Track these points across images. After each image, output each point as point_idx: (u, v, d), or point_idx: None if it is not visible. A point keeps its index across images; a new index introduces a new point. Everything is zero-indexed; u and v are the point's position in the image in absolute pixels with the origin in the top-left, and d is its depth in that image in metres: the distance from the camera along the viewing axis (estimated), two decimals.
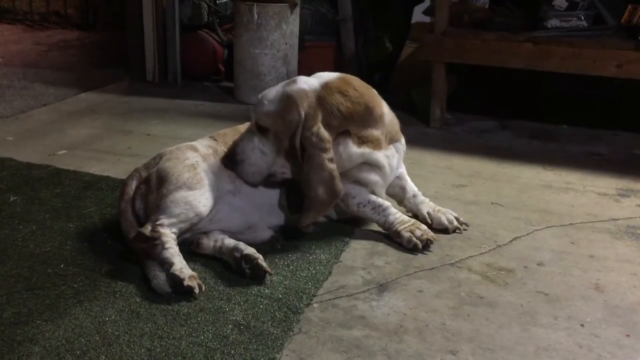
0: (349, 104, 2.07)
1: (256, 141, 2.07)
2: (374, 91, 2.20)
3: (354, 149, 2.11)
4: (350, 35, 4.31)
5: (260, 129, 2.07)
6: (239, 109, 3.95)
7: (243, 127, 2.30)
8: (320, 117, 2.01)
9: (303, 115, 2.00)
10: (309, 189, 2.01)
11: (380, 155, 2.16)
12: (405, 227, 2.18)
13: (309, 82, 2.08)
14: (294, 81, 2.09)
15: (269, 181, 2.13)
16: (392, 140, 2.23)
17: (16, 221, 2.28)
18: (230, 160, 2.09)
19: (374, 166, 2.17)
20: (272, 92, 2.08)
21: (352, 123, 2.08)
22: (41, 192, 2.53)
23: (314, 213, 2.05)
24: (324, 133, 2.00)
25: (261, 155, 2.07)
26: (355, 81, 2.15)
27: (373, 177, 2.19)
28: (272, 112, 2.04)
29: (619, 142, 3.43)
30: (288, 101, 2.03)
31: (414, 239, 2.14)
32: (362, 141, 2.12)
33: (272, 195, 2.19)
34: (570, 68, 3.27)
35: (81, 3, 6.84)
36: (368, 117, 2.12)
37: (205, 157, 2.12)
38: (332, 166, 2.01)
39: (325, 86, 2.07)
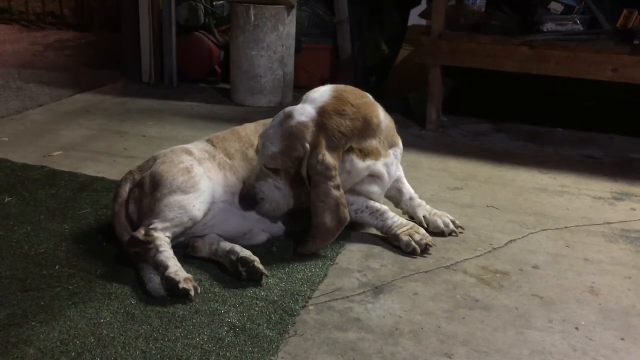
0: (348, 122, 2.04)
1: (270, 180, 2.06)
2: (369, 99, 2.18)
3: (360, 164, 2.10)
4: (346, 37, 4.32)
5: (270, 169, 2.06)
6: (235, 111, 3.95)
7: (242, 129, 2.29)
8: (324, 144, 2.00)
9: (308, 148, 1.99)
10: (315, 217, 2.01)
11: (380, 165, 2.15)
12: (404, 231, 2.18)
13: (305, 112, 2.04)
14: (290, 115, 2.04)
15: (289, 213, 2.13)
16: (390, 145, 2.21)
17: (11, 222, 2.27)
18: (250, 201, 2.08)
19: (375, 177, 2.17)
20: (272, 132, 2.04)
21: (353, 138, 2.07)
22: (36, 193, 2.53)
23: (319, 241, 2.05)
24: (329, 160, 1.99)
25: (278, 192, 2.06)
26: (349, 95, 2.10)
27: (374, 188, 2.19)
28: (277, 153, 2.01)
29: (613, 145, 3.45)
30: (290, 139, 2.00)
31: (413, 243, 2.14)
32: (364, 154, 2.10)
33: None
34: (566, 72, 3.29)
35: (77, 3, 6.83)
36: (367, 128, 2.10)
37: (200, 161, 2.10)
38: (338, 193, 2.00)
39: (322, 111, 2.03)
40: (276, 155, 2.02)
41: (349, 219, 2.05)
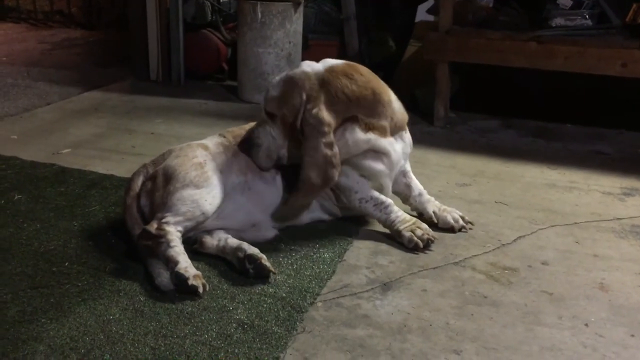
0: (355, 87, 2.07)
1: (267, 127, 2.10)
2: (381, 80, 2.20)
3: (360, 135, 2.10)
4: (353, 34, 4.31)
5: (268, 115, 2.09)
6: (242, 108, 3.95)
7: (248, 126, 2.30)
8: (322, 99, 2.02)
9: (305, 98, 2.01)
10: (302, 170, 2.01)
11: (386, 142, 2.15)
12: (406, 227, 2.17)
13: (313, 66, 2.11)
14: (298, 66, 2.12)
15: (279, 165, 2.15)
16: (398, 129, 2.22)
17: (20, 219, 2.29)
18: (247, 145, 2.12)
19: (380, 154, 2.16)
20: (277, 79, 2.11)
21: (360, 108, 2.08)
22: (45, 191, 2.54)
23: (302, 196, 2.06)
24: (325, 116, 2.00)
25: (272, 140, 2.09)
26: (362, 68, 2.16)
27: (379, 165, 2.18)
28: (276, 97, 2.07)
29: (623, 141, 3.43)
30: (290, 84, 2.05)
31: (415, 238, 2.14)
32: (368, 128, 2.11)
33: (279, 196, 2.18)
34: (575, 67, 3.26)
35: (85, 2, 6.85)
36: (376, 103, 2.11)
37: (214, 156, 2.12)
38: (329, 152, 2.00)
39: (330, 69, 2.08)
40: (274, 99, 2.07)
41: (335, 179, 2.05)
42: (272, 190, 2.16)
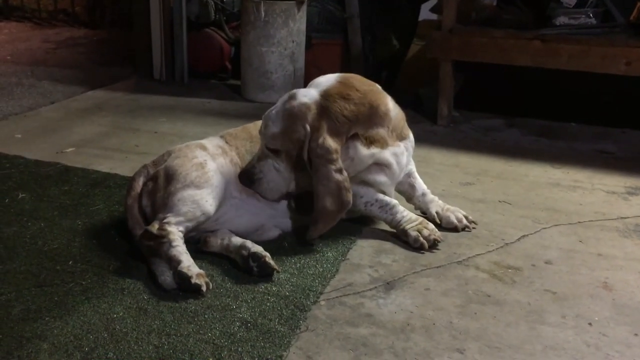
0: (353, 106, 2.04)
1: (270, 161, 2.07)
2: (377, 87, 2.17)
3: (364, 151, 2.09)
4: (357, 32, 4.31)
5: (271, 151, 2.06)
6: (246, 107, 3.96)
7: (253, 125, 2.30)
8: (325, 128, 2.00)
9: (309, 130, 1.99)
10: (317, 201, 2.00)
11: (387, 154, 2.14)
12: (413, 226, 2.17)
13: (309, 94, 2.05)
14: (293, 96, 2.05)
15: (287, 196, 2.12)
16: (400, 137, 2.19)
17: (25, 218, 2.29)
18: (248, 178, 2.09)
19: (382, 166, 2.16)
20: (274, 113, 2.06)
21: (359, 125, 2.06)
22: (49, 190, 2.54)
23: (322, 225, 2.04)
24: (330, 143, 1.99)
25: (277, 174, 2.07)
26: (356, 81, 2.11)
27: (381, 177, 2.18)
28: (278, 133, 2.03)
29: (627, 140, 3.42)
30: (291, 119, 2.01)
31: (421, 238, 2.14)
32: (369, 141, 2.09)
33: (279, 206, 2.17)
34: (579, 66, 3.26)
35: (88, 1, 6.86)
36: (374, 115, 2.09)
37: (214, 157, 2.12)
38: (340, 177, 1.99)
39: (326, 94, 2.03)
40: (277, 136, 2.03)
41: (351, 203, 2.04)
42: (271, 205, 2.16)
